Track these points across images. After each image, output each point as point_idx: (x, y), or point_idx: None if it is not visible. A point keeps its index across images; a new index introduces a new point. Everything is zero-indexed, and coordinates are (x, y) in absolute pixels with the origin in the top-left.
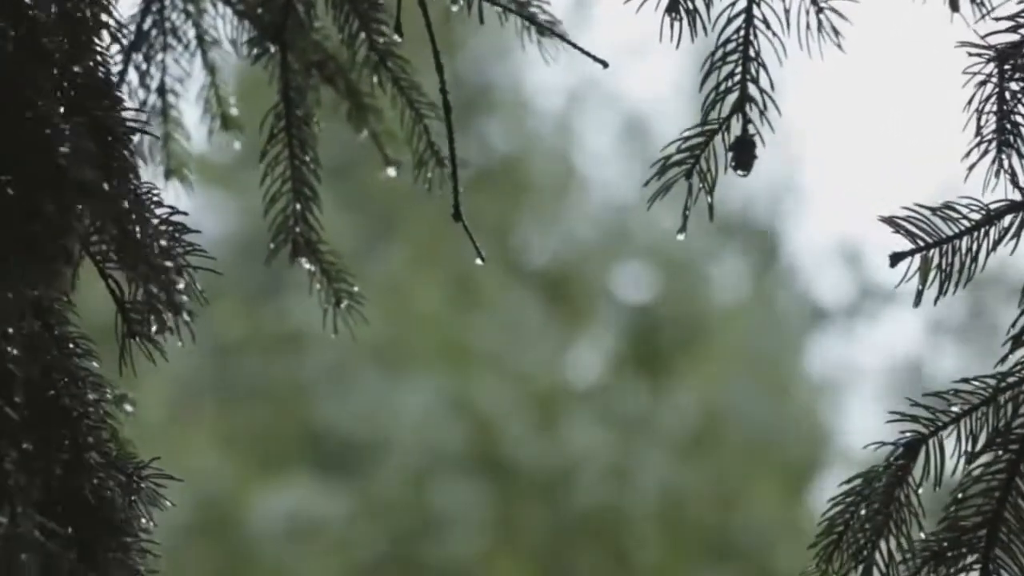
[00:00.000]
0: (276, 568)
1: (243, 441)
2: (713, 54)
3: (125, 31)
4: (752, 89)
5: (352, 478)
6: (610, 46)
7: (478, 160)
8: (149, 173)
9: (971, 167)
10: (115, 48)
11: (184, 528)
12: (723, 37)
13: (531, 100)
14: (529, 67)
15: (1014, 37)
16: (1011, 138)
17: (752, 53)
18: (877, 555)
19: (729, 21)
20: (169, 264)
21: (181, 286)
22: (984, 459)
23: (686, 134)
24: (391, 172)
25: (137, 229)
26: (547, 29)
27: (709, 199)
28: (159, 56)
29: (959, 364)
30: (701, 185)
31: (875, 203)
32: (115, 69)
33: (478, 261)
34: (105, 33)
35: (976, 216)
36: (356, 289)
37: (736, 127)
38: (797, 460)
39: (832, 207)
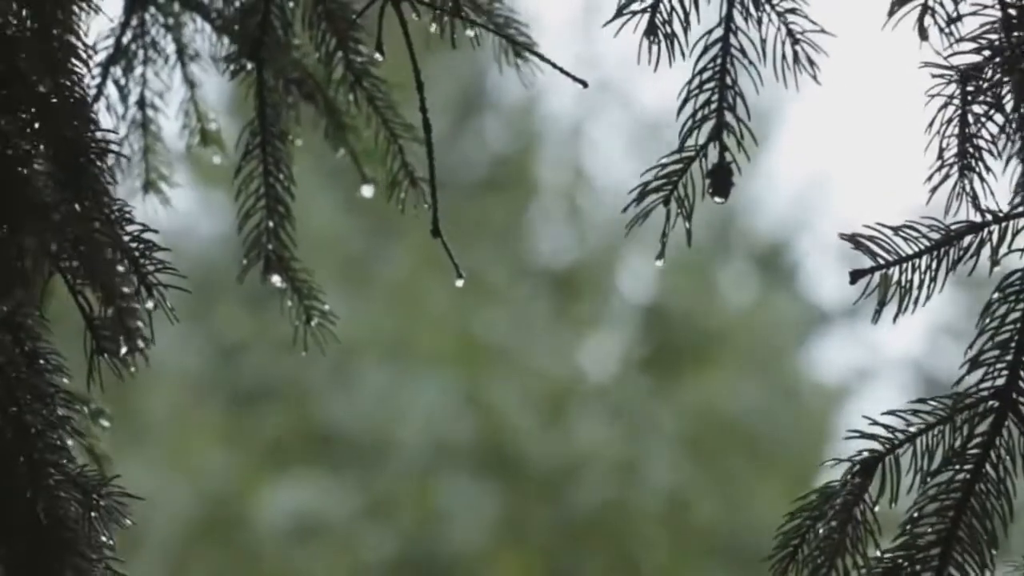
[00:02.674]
0: (283, 567)
1: (250, 440)
2: (690, 82)
3: (94, 51)
4: (728, 117)
5: (359, 476)
6: (620, 50)
7: (488, 158)
8: (126, 187)
9: (933, 190)
10: (92, 62)
11: (191, 527)
12: (700, 65)
13: (542, 100)
14: (540, 65)
15: (977, 58)
16: (972, 161)
17: (729, 81)
18: (834, 573)
19: (706, 49)
20: (125, 290)
21: (150, 305)
22: (940, 478)
23: (664, 160)
24: (367, 191)
25: (99, 250)
26: (527, 50)
27: (687, 225)
28: (139, 69)
29: (960, 364)
30: (679, 211)
31: (882, 204)
32: (92, 83)
33: (458, 282)
34: (79, 52)
35: (936, 236)
36: (327, 307)
37: (713, 154)
38: (802, 461)
39: (835, 208)
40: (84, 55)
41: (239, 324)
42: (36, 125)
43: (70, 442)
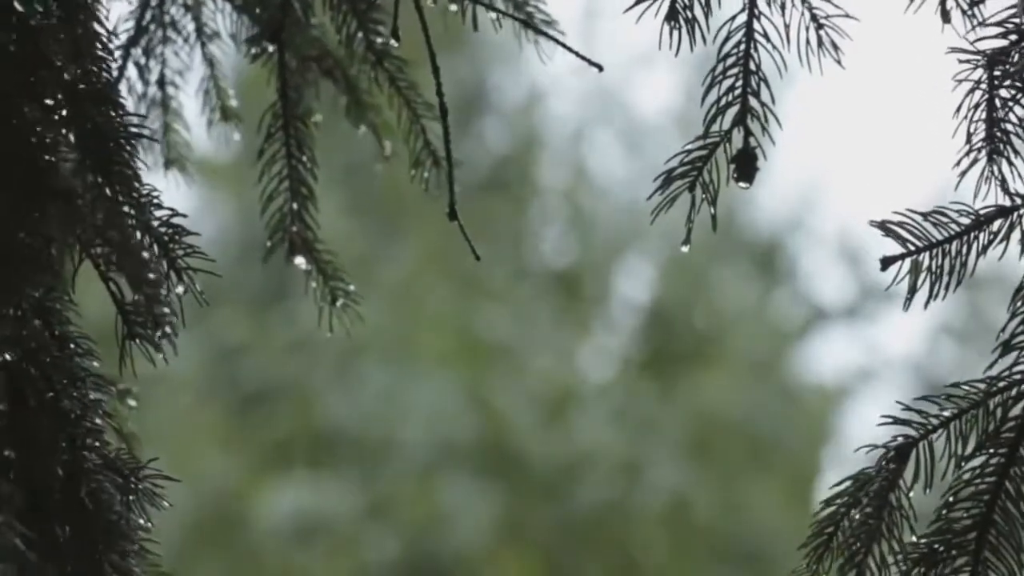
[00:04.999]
0: (284, 567)
1: (251, 441)
2: (714, 68)
3: (116, 36)
4: (753, 102)
5: (360, 476)
6: (621, 52)
7: (489, 160)
8: (148, 162)
9: (962, 174)
10: (114, 44)
11: (192, 528)
12: (724, 51)
13: (542, 101)
14: (540, 67)
15: (1003, 43)
16: (1001, 146)
17: (752, 67)
18: (870, 560)
19: (729, 35)
20: (152, 276)
21: (180, 290)
22: (974, 463)
23: (689, 147)
24: (387, 151)
25: (128, 235)
26: (543, 32)
27: (712, 210)
28: (158, 49)
29: (960, 364)
30: (704, 196)
31: (880, 203)
32: (115, 65)
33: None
34: (103, 38)
35: (965, 221)
36: (352, 288)
37: (738, 139)
38: (802, 462)
39: (835, 208)
40: (107, 40)
41: (240, 325)
42: (64, 112)
43: (98, 421)
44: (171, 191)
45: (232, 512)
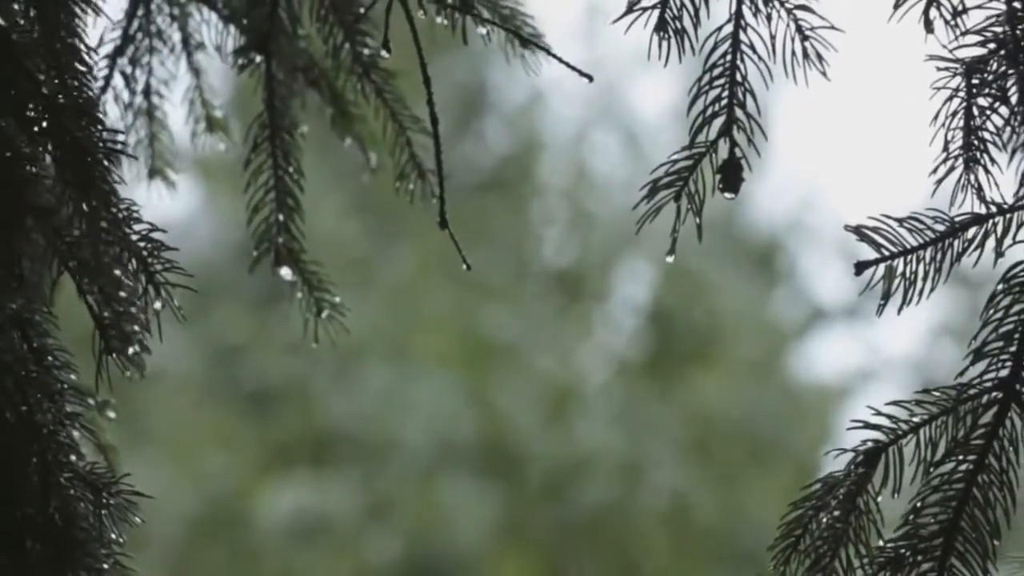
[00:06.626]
0: (284, 567)
1: (252, 441)
2: (700, 79)
3: (96, 53)
4: (739, 113)
5: (361, 476)
6: (624, 50)
7: (490, 160)
8: (130, 174)
9: (938, 182)
10: (101, 53)
11: (193, 527)
12: (710, 62)
13: (543, 101)
14: (541, 67)
15: (982, 51)
16: (977, 154)
17: (739, 78)
18: (837, 563)
19: (716, 46)
20: (124, 294)
21: (158, 305)
22: (943, 469)
23: (674, 157)
24: (372, 163)
25: (101, 252)
26: (531, 44)
27: (698, 220)
28: (144, 59)
29: (960, 364)
30: (690, 206)
31: (880, 202)
32: (100, 74)
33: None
34: (84, 52)
35: (941, 228)
36: (338, 299)
37: (724, 150)
38: (803, 462)
39: (834, 209)
40: (88, 55)
41: (240, 325)
42: (43, 125)
43: (76, 434)
44: (170, 192)
45: (233, 511)
